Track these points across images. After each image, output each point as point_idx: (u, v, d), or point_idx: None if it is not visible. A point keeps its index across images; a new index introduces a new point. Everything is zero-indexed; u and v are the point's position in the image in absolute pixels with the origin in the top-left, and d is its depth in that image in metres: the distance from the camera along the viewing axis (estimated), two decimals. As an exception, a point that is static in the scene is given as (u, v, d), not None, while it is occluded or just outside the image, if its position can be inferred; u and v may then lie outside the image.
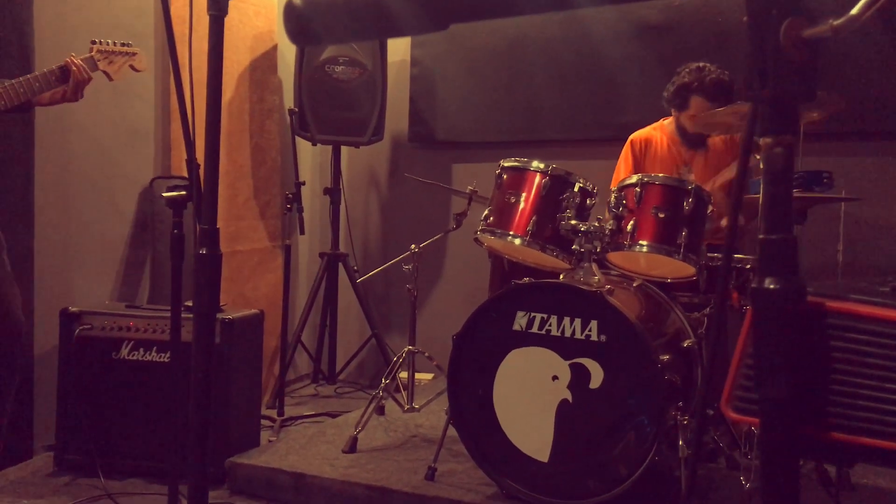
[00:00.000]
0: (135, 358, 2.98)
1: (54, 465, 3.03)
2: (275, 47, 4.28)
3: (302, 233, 3.83)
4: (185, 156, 3.69)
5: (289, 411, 3.72)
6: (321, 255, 4.42)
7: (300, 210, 3.74)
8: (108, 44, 2.37)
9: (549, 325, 2.49)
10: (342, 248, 4.46)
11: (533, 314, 2.51)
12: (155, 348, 2.97)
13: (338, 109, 4.19)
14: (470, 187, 3.20)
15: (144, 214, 3.66)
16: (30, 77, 2.22)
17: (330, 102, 4.16)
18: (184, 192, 2.03)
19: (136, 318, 3.01)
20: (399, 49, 4.56)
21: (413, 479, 2.73)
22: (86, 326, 2.98)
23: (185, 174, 3.62)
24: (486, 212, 2.80)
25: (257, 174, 4.21)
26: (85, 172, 3.42)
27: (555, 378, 2.48)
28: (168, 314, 2.98)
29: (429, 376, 4.21)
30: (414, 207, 4.64)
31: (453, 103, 4.46)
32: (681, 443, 2.44)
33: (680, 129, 3.39)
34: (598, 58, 4.07)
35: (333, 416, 3.71)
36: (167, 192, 2.05)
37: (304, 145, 4.32)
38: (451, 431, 2.68)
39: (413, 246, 3.35)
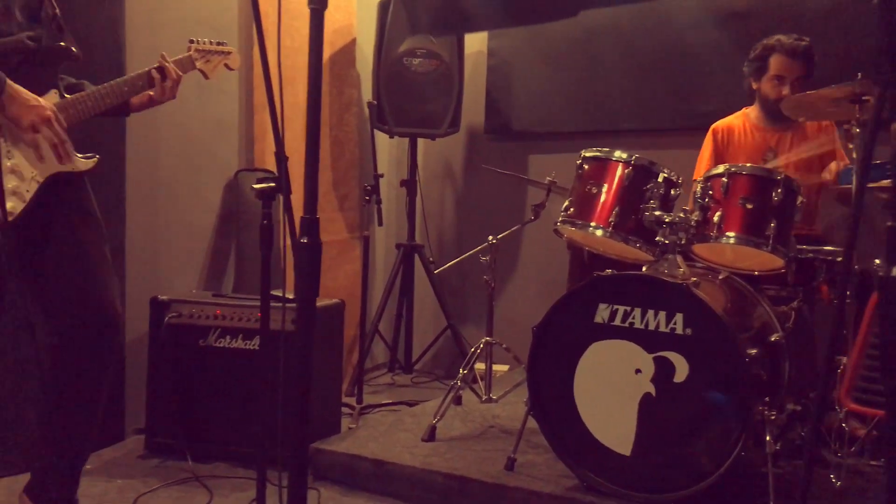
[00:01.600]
0: (221, 345, 3.06)
1: (144, 448, 3.14)
2: (353, 41, 4.33)
3: (380, 224, 3.87)
4: (268, 148, 3.80)
5: (367, 399, 3.76)
6: (397, 246, 4.46)
7: (378, 202, 3.77)
8: (205, 43, 2.42)
9: (633, 318, 2.46)
10: (418, 240, 4.49)
11: (616, 306, 2.48)
12: (241, 336, 3.04)
13: (415, 101, 4.22)
14: (549, 178, 3.19)
15: (229, 206, 3.76)
16: (130, 77, 2.29)
17: (407, 95, 4.19)
18: (273, 184, 2.06)
19: (222, 306, 3.09)
20: (476, 40, 4.55)
21: (492, 469, 2.74)
22: (174, 314, 3.07)
23: (269, 166, 3.72)
24: (566, 203, 2.78)
25: (336, 167, 4.27)
26: (173, 165, 3.52)
27: (638, 371, 2.45)
28: (252, 303, 3.07)
29: (504, 368, 4.21)
30: (489, 199, 4.64)
31: (530, 94, 4.44)
32: (768, 438, 2.39)
33: (763, 102, 3.31)
34: (678, 46, 4.00)
35: (410, 405, 3.74)
36: (257, 184, 2.09)
37: (381, 137, 4.36)
38: (530, 423, 2.68)
39: (490, 237, 3.35)
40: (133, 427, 3.31)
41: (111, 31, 3.14)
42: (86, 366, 2.18)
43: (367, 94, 4.41)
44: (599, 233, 2.65)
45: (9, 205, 1.99)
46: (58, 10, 2.20)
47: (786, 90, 3.18)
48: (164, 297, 3.11)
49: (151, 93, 2.35)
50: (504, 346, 3.40)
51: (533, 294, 4.42)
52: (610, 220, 2.62)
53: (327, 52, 4.19)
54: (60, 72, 2.27)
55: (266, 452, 2.15)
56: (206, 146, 3.67)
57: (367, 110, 4.07)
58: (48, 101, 2.09)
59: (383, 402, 3.85)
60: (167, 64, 2.34)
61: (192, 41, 2.42)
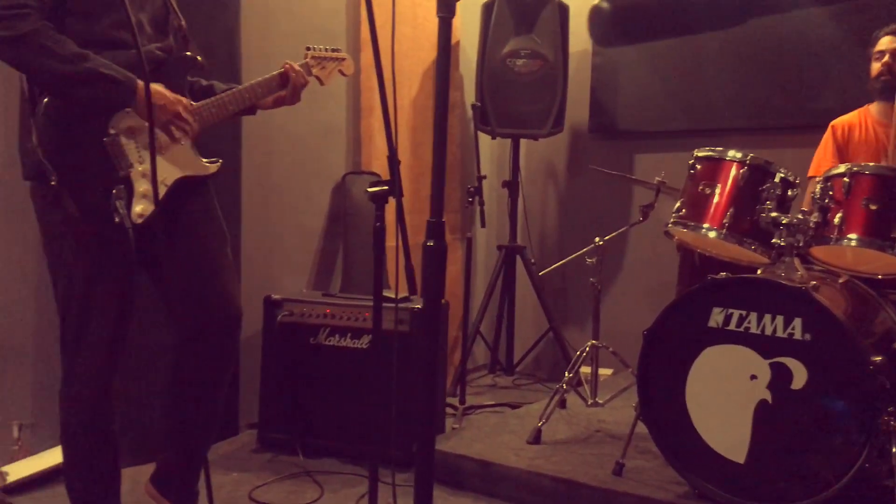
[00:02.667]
0: (331, 343, 3.14)
1: (257, 442, 3.25)
2: (457, 43, 4.36)
3: (483, 226, 3.89)
4: (374, 152, 3.86)
5: (469, 400, 3.78)
6: (499, 247, 4.46)
7: (481, 203, 3.79)
8: (320, 50, 2.46)
9: (748, 323, 2.39)
10: (520, 241, 4.48)
11: (730, 310, 2.42)
12: (349, 335, 3.11)
13: (518, 102, 4.21)
14: (658, 178, 3.13)
15: (337, 208, 3.84)
16: (254, 83, 2.35)
17: (510, 96, 4.19)
18: (386, 188, 2.11)
19: (332, 305, 3.17)
20: (580, 39, 4.49)
21: (600, 473, 2.72)
22: (287, 313, 3.17)
23: (375, 169, 3.79)
24: (677, 204, 2.73)
25: (439, 168, 4.30)
26: (284, 168, 3.63)
27: (753, 377, 2.39)
28: (360, 303, 3.13)
29: (608, 371, 4.16)
30: (592, 199, 4.59)
31: (636, 92, 4.36)
32: (894, 450, 2.28)
33: (870, 88, 3.18)
34: (790, 41, 3.85)
35: (513, 406, 3.74)
36: (371, 187, 2.13)
37: (483, 139, 4.37)
38: (638, 428, 2.64)
39: (597, 238, 3.31)
40: (246, 422, 3.42)
41: (228, 41, 3.27)
42: (209, 362, 2.27)
43: (469, 95, 4.43)
44: (713, 234, 2.59)
45: (139, 207, 2.09)
46: (183, 22, 2.30)
47: (886, 58, 3.10)
48: (277, 297, 3.21)
49: (284, 93, 2.41)
50: (610, 349, 3.36)
51: (639, 297, 4.35)
52: (724, 221, 2.56)
53: (431, 55, 4.23)
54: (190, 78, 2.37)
55: (378, 449, 2.19)
56: (315, 150, 3.76)
57: (469, 112, 4.08)
58: None
59: (486, 403, 3.86)
60: (294, 66, 2.39)
61: (308, 48, 2.45)
